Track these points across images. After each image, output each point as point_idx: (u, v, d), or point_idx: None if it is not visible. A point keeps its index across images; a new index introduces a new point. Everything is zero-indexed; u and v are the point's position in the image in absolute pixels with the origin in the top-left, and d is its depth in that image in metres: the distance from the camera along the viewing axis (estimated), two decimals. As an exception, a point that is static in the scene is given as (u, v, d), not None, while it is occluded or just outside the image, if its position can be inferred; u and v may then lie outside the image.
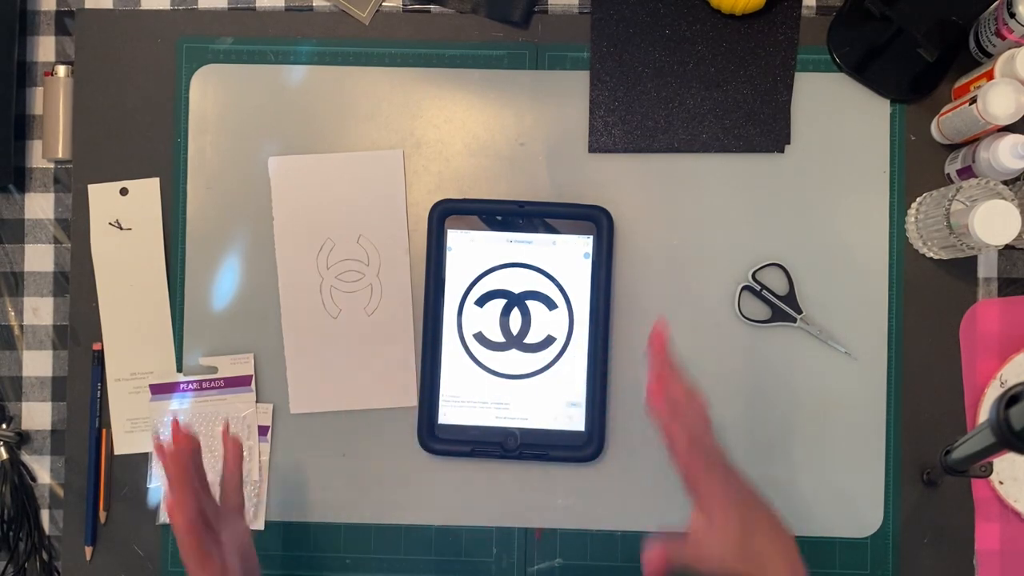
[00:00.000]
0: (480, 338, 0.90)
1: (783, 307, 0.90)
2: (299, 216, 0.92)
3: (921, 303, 0.91)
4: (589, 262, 0.90)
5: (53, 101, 0.92)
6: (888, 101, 0.91)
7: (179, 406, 0.91)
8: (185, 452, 0.74)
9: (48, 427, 0.93)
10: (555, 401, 0.89)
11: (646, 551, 0.71)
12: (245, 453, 0.89)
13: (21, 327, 0.93)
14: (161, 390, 0.91)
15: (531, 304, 0.90)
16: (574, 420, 0.89)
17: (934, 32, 0.88)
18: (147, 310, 0.92)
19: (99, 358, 0.91)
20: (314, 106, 0.92)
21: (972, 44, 0.89)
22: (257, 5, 0.94)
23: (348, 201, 0.92)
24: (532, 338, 0.90)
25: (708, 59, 0.92)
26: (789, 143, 0.92)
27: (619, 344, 0.91)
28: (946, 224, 0.83)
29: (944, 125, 0.88)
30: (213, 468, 0.89)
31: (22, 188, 0.94)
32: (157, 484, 0.90)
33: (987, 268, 0.91)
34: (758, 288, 0.91)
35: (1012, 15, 0.81)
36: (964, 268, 0.91)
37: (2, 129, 0.91)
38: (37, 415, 0.93)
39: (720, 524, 0.70)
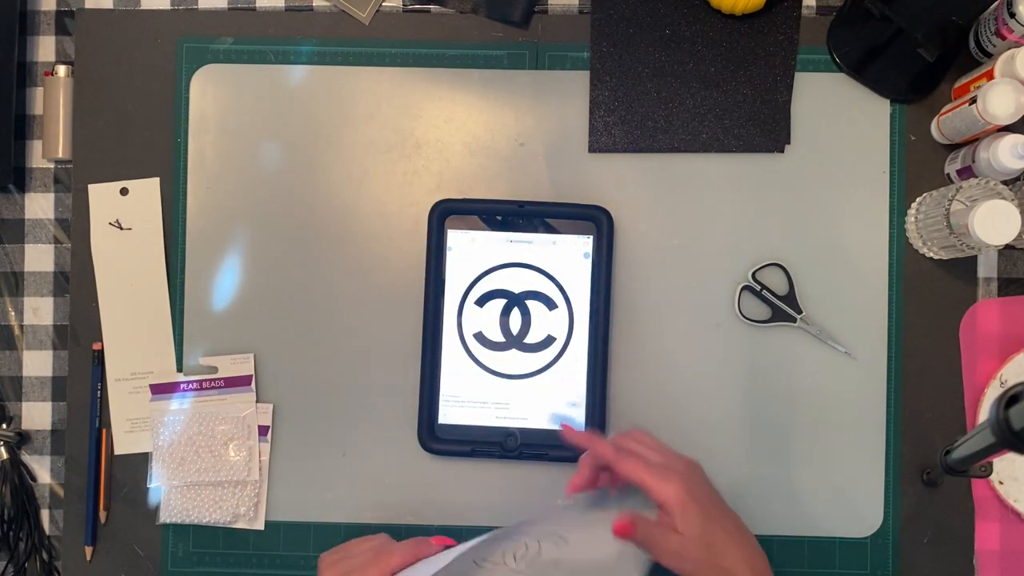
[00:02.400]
0: (480, 338, 0.90)
1: (783, 307, 0.90)
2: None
3: (921, 303, 0.91)
4: (589, 262, 0.90)
5: (53, 101, 0.92)
6: (888, 101, 0.91)
7: (179, 406, 0.91)
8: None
9: (48, 427, 0.93)
10: (555, 401, 0.89)
11: (618, 520, 0.72)
12: (245, 453, 0.90)
13: (21, 327, 0.93)
14: (161, 390, 0.91)
15: (531, 304, 0.90)
16: (574, 420, 0.89)
17: (934, 32, 0.88)
18: (147, 310, 0.92)
19: (99, 358, 0.91)
20: (314, 106, 0.92)
21: (972, 44, 0.89)
22: (257, 5, 0.94)
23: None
24: (532, 338, 0.90)
25: (708, 59, 0.92)
26: (789, 143, 0.92)
27: (619, 344, 0.91)
28: (946, 224, 0.83)
29: (944, 125, 0.88)
30: (213, 468, 0.90)
31: (22, 188, 0.94)
32: (157, 484, 0.90)
33: (987, 268, 0.91)
34: (758, 288, 0.90)
35: (1012, 15, 0.81)
36: (964, 268, 0.91)
37: (2, 129, 0.91)
38: (37, 415, 0.93)
39: (689, 533, 0.71)
